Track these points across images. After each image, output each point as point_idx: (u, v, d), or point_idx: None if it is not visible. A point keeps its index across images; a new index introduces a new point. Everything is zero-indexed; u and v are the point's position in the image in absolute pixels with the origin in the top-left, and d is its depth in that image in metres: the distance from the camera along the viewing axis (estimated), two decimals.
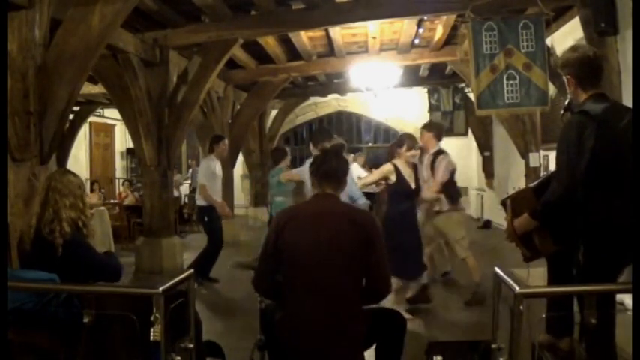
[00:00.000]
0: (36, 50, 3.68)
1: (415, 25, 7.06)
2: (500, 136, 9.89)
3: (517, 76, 5.12)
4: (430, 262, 5.02)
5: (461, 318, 3.91)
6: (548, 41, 5.59)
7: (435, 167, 4.70)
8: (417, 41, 7.87)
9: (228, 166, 8.75)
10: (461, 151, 10.34)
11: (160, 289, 1.87)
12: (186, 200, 11.74)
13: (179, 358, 1.96)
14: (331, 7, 5.99)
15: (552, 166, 5.31)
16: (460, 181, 5.40)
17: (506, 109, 5.45)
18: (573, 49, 2.43)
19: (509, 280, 1.87)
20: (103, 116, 12.15)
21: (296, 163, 14.46)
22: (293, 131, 14.71)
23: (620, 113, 2.26)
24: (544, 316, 2.34)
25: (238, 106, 10.05)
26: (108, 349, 2.28)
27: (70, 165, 10.54)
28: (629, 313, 2.71)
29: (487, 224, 10.45)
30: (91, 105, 10.62)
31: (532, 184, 2.70)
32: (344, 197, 2.99)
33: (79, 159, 11.60)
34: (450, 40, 7.78)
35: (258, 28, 6.44)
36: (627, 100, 2.76)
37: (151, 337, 1.82)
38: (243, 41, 6.54)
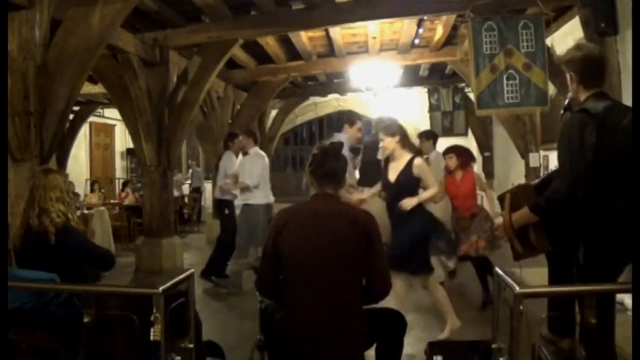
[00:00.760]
0: (36, 50, 3.69)
1: (415, 25, 7.06)
2: (500, 136, 9.88)
3: (517, 76, 5.13)
4: None
5: (461, 318, 3.92)
6: (548, 41, 5.59)
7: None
8: (417, 41, 7.87)
9: None
10: None
11: (160, 289, 1.87)
12: (187, 200, 11.74)
13: (179, 358, 1.96)
14: (331, 7, 5.99)
15: (552, 166, 5.32)
16: None
17: (506, 109, 5.46)
18: (578, 47, 2.41)
19: (510, 280, 1.87)
20: (103, 116, 12.14)
21: (296, 163, 14.59)
22: (293, 131, 14.70)
23: (621, 112, 2.25)
24: (544, 316, 2.34)
25: (238, 106, 10.05)
26: (108, 349, 2.28)
27: (70, 165, 10.55)
28: (629, 313, 2.71)
29: None
30: (91, 105, 10.60)
31: (533, 182, 2.69)
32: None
33: (79, 159, 11.59)
34: (450, 40, 7.78)
35: (258, 28, 6.44)
36: (627, 100, 2.76)
37: (151, 337, 1.82)
38: (243, 41, 6.54)
